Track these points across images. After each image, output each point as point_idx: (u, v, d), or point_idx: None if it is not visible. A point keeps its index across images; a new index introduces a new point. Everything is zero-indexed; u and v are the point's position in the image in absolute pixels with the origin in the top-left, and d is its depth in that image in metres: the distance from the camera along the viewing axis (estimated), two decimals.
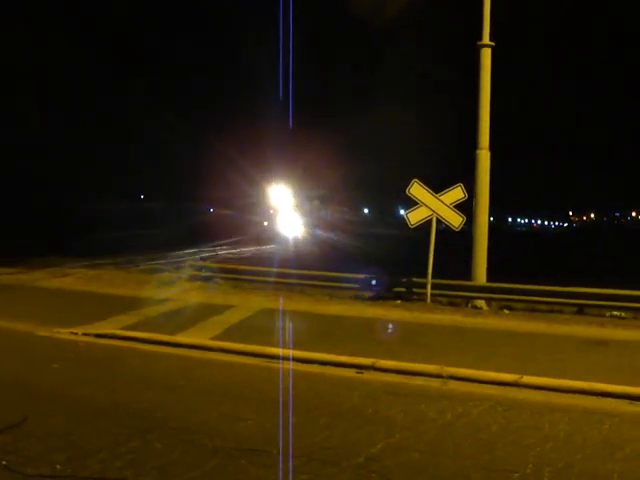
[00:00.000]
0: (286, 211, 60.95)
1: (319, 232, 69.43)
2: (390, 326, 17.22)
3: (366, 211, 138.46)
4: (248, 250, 47.46)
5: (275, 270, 25.03)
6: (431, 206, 21.00)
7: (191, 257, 35.00)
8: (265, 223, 68.14)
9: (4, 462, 7.26)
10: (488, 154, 20.98)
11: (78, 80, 62.28)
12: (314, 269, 25.50)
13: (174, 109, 70.17)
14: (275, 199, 61.23)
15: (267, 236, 57.25)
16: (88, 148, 64.37)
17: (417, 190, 21.23)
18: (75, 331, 14.98)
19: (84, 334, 14.82)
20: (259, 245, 50.55)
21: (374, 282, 22.13)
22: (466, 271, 20.97)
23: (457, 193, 20.96)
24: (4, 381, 10.85)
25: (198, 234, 51.17)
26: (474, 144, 21.08)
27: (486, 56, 21.06)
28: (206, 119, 67.83)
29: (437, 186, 21.31)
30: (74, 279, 25.67)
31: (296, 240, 55.06)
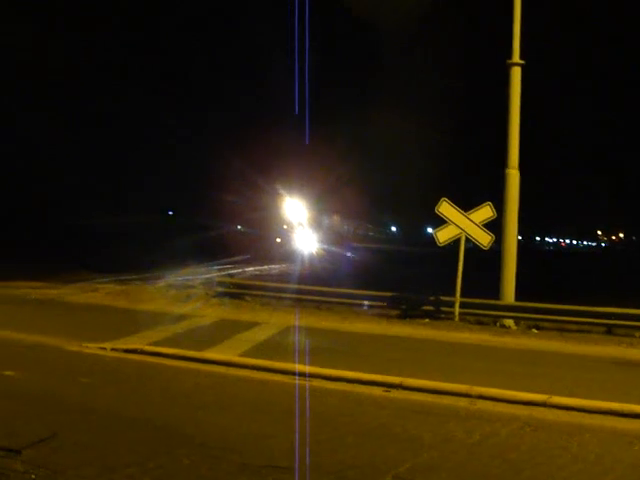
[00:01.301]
0: (301, 227, 60.84)
1: (335, 249, 69.04)
2: (418, 345, 17.17)
3: (393, 229, 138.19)
4: (275, 267, 47.40)
5: (302, 287, 25.02)
6: (460, 224, 20.98)
7: (217, 273, 35.02)
8: (278, 240, 67.77)
9: (33, 476, 7.28)
10: (517, 174, 20.94)
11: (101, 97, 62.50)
12: (340, 287, 25.48)
13: (189, 125, 70.03)
14: (290, 215, 61.13)
15: (281, 253, 56.84)
16: (104, 163, 64.59)
17: (446, 208, 21.21)
18: (104, 346, 15.03)
19: (113, 349, 14.86)
20: (272, 263, 50.05)
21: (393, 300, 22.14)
22: (493, 290, 20.91)
23: (486, 212, 20.93)
24: (34, 395, 10.90)
25: (217, 250, 51.06)
26: (503, 163, 21.05)
27: (516, 75, 21.04)
28: (220, 134, 67.33)
29: (463, 204, 21.32)
30: (102, 294, 25.81)
31: (310, 257, 54.80)
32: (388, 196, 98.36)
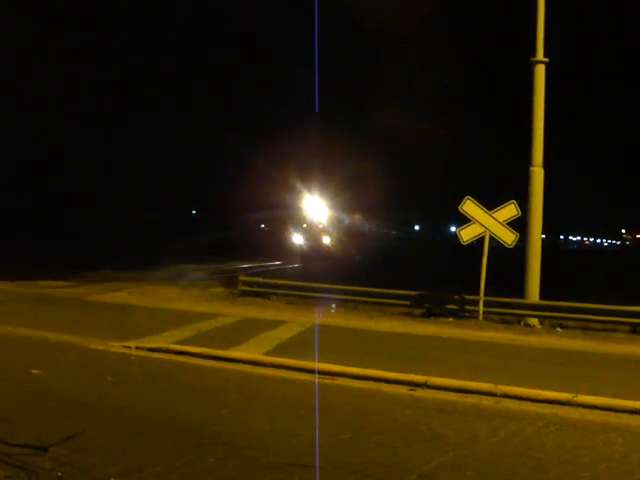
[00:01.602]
0: (318, 225, 60.60)
1: (347, 247, 68.52)
2: (442, 343, 17.16)
3: (417, 228, 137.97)
4: (292, 266, 47.21)
5: (327, 286, 25.02)
6: (484, 223, 20.91)
7: (242, 272, 35.09)
8: (294, 238, 67.43)
9: (59, 473, 7.32)
10: (542, 172, 20.87)
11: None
12: (364, 285, 25.48)
13: (206, 124, 69.68)
14: (308, 213, 60.88)
15: (297, 251, 56.49)
16: (123, 163, 64.54)
17: (470, 207, 21.16)
18: (128, 345, 15.09)
19: (137, 348, 14.91)
20: (288, 261, 49.75)
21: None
22: (518, 288, 20.88)
23: (510, 210, 20.87)
24: (59, 394, 10.96)
25: (239, 248, 51.01)
26: (527, 161, 20.98)
27: (540, 73, 20.97)
28: (240, 134, 66.95)
29: (487, 203, 21.27)
30: (127, 293, 25.91)
31: (320, 254, 54.51)
32: (412, 194, 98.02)
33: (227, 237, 60.88)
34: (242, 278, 26.38)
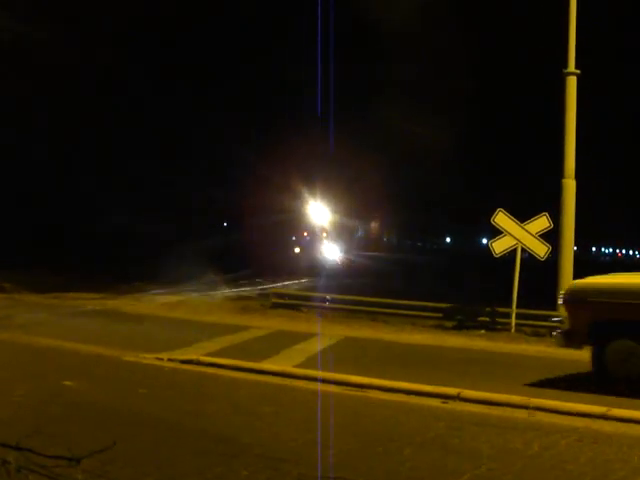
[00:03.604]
0: (326, 236, 60.17)
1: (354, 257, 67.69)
2: (474, 356, 17.09)
3: (448, 240, 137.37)
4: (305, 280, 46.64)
5: (358, 298, 25.02)
6: (516, 235, 20.87)
7: (272, 285, 35.17)
8: (297, 250, 66.02)
9: None
10: (574, 183, 20.80)
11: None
12: (395, 298, 25.45)
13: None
14: (314, 221, 60.50)
15: (304, 265, 55.17)
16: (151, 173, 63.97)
17: (502, 219, 21.12)
18: (161, 356, 15.14)
19: (169, 360, 14.95)
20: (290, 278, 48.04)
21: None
22: (550, 300, 20.76)
23: (542, 222, 20.83)
24: (92, 405, 11.01)
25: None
26: (560, 172, 20.91)
27: (572, 84, 20.91)
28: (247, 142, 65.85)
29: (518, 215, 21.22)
30: (159, 305, 26.04)
31: (333, 268, 54.05)
32: (442, 205, 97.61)
33: (255, 251, 60.71)
34: (274, 290, 26.53)
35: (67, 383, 12.33)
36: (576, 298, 13.57)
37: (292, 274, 47.50)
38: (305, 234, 68.78)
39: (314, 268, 53.59)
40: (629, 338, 12.88)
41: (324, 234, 63.00)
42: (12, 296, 28.81)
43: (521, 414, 11.05)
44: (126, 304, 26.06)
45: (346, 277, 47.13)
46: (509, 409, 11.30)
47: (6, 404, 10.89)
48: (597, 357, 13.27)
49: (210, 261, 42.46)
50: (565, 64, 20.94)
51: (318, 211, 60.04)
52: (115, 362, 14.74)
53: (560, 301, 14.39)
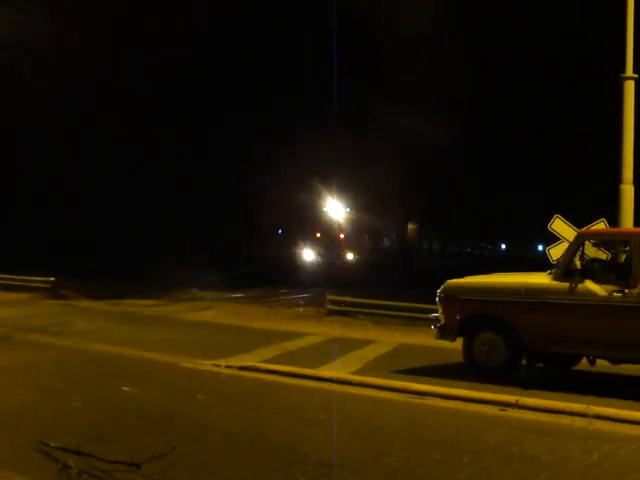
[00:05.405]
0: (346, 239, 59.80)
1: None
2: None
3: (503, 247, 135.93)
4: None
5: (414, 305, 24.88)
6: None
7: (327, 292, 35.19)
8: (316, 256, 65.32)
9: None
10: (632, 189, 20.51)
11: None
12: None
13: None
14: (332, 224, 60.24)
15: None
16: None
17: (559, 225, 20.87)
18: (218, 363, 15.19)
19: (227, 366, 15.00)
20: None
21: None
22: None
23: (600, 228, 20.57)
24: (152, 411, 11.11)
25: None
26: (618, 178, 20.68)
27: (629, 88, 20.63)
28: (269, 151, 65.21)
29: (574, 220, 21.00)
30: (215, 312, 26.16)
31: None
32: (495, 211, 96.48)
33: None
34: (329, 297, 26.40)
35: (126, 389, 12.45)
36: (447, 296, 14.91)
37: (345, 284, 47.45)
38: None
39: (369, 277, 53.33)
40: (491, 331, 14.29)
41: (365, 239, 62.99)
42: (70, 302, 29.25)
43: (580, 422, 10.91)
44: (183, 311, 26.27)
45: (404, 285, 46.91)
46: (568, 417, 11.17)
47: (66, 409, 11.03)
48: (467, 349, 14.61)
49: (262, 270, 42.69)
50: (623, 69, 20.70)
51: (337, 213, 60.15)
52: (173, 368, 14.82)
53: (437, 299, 15.20)
